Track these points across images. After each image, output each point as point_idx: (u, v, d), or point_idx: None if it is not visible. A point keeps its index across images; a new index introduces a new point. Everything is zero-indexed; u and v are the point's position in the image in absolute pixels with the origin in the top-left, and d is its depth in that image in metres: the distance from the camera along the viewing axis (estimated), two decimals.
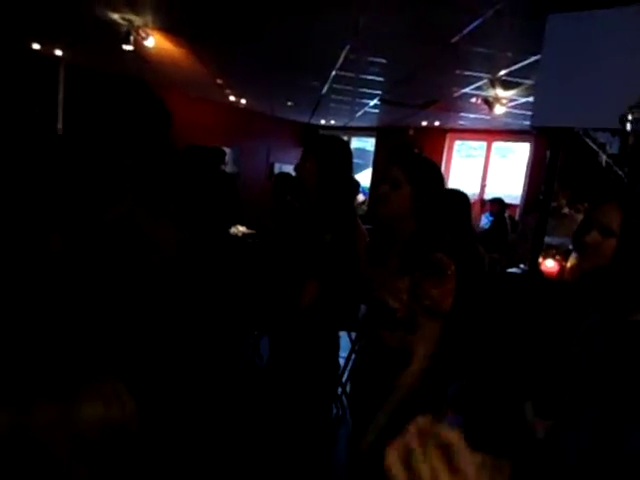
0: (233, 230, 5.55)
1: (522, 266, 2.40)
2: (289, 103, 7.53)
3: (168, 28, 4.15)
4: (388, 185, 1.53)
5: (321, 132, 9.82)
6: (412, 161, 1.60)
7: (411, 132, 8.22)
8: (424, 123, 7.72)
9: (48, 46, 5.46)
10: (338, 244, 1.76)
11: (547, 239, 2.21)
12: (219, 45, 4.58)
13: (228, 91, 7.01)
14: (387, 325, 1.53)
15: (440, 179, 1.61)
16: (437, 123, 7.66)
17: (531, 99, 4.91)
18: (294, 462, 1.92)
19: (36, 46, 5.47)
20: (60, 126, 6.40)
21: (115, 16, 3.83)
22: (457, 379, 2.40)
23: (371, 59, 4.54)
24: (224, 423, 2.64)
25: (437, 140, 8.18)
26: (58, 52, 5.65)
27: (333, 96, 6.55)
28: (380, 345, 1.58)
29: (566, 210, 3.46)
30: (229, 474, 2.20)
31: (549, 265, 2.13)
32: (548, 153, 2.28)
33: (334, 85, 5.76)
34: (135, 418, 0.73)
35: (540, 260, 2.15)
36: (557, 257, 2.16)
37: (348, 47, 4.08)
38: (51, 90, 6.30)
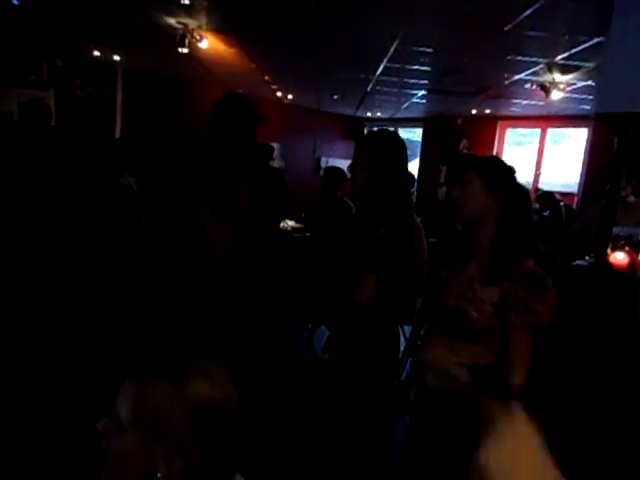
0: (282, 225, 5.65)
1: (588, 258, 2.32)
2: (335, 97, 7.54)
3: (220, 29, 4.26)
4: (459, 187, 1.51)
5: (367, 124, 9.78)
6: (480, 160, 1.57)
7: (460, 121, 8.03)
8: (474, 112, 7.52)
9: (107, 52, 5.74)
10: (392, 238, 1.77)
11: (614, 229, 2.12)
12: (268, 42, 4.67)
13: (275, 87, 7.11)
14: (461, 335, 1.47)
15: (512, 174, 1.55)
16: (487, 111, 7.45)
17: (591, 83, 4.70)
18: (353, 456, 1.95)
19: (96, 53, 5.76)
20: (118, 128, 6.72)
21: (171, 20, 3.98)
22: None
23: (419, 49, 4.49)
24: (284, 416, 2.70)
25: (487, 128, 7.95)
26: (116, 57, 5.92)
27: (380, 88, 6.51)
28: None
29: (632, 199, 3.30)
30: (290, 465, 2.27)
31: (619, 257, 2.05)
32: (615, 140, 2.19)
33: (381, 77, 5.73)
34: (234, 400, 0.81)
35: (608, 252, 2.08)
36: (627, 249, 2.08)
37: (398, 39, 4.05)
38: (110, 94, 6.63)
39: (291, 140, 8.65)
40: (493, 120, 7.91)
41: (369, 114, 9.22)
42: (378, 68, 5.24)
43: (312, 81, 6.61)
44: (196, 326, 1.40)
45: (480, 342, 1.45)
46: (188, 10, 3.79)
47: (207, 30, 4.21)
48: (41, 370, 2.35)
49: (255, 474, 0.95)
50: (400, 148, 1.86)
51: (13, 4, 4.01)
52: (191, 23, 4.02)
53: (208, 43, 4.38)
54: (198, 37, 4.14)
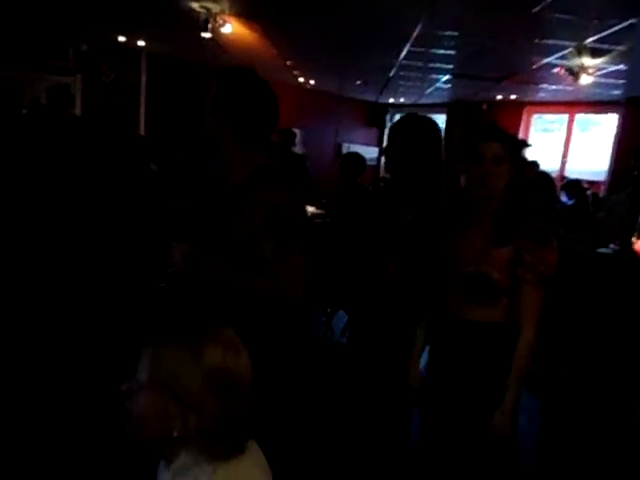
0: None
1: (612, 246, 2.28)
2: (358, 82, 7.47)
3: (243, 14, 4.26)
4: (489, 163, 1.52)
5: (390, 111, 9.67)
6: (510, 136, 1.60)
7: (485, 107, 7.88)
8: (499, 97, 7.38)
9: (132, 38, 5.80)
10: (420, 224, 1.78)
11: None
12: (290, 26, 4.65)
13: (297, 72, 7.09)
14: (486, 297, 1.54)
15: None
16: (513, 97, 7.29)
17: (622, 67, 4.55)
18: (371, 440, 1.98)
19: (121, 38, 5.83)
20: (142, 113, 6.81)
21: (195, 5, 4.00)
22: (535, 360, 2.35)
23: (444, 33, 4.41)
24: (301, 396, 2.74)
25: (513, 114, 7.78)
26: (141, 43, 5.98)
27: (403, 73, 6.43)
28: (459, 324, 1.59)
29: None
30: (306, 450, 2.30)
31: None
32: None
33: (404, 62, 5.65)
34: (247, 368, 0.86)
35: (634, 240, 2.04)
36: None
37: (422, 22, 3.98)
38: (135, 79, 6.71)
39: (312, 126, 8.62)
40: (519, 106, 7.74)
41: (392, 100, 9.12)
42: (402, 52, 5.17)
43: (334, 66, 6.57)
44: (215, 296, 1.45)
45: (496, 302, 1.53)
46: None
47: (230, 15, 4.21)
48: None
49: (271, 449, 0.98)
50: (428, 133, 1.87)
51: None
52: (214, 7, 4.03)
53: (231, 28, 4.38)
54: (221, 22, 4.15)
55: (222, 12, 4.11)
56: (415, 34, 4.37)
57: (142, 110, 6.83)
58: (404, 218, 1.83)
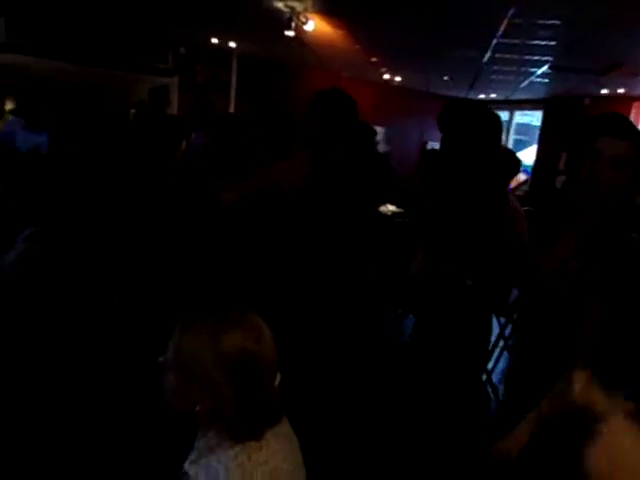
0: (383, 209, 5.60)
1: None
2: (445, 78, 7.22)
3: (326, 10, 4.29)
4: (606, 164, 1.24)
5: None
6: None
7: (587, 102, 7.23)
8: (604, 91, 6.71)
9: (224, 40, 6.09)
10: (479, 226, 1.66)
11: None
12: (375, 22, 4.59)
13: (383, 69, 7.00)
14: (552, 313, 1.38)
15: None
16: (621, 90, 6.60)
17: None
18: (436, 440, 1.90)
19: (214, 40, 6.14)
20: (232, 110, 7.14)
21: (279, 4, 4.10)
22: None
23: (541, 22, 4.09)
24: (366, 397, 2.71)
25: (620, 111, 7.05)
26: (232, 44, 6.26)
27: (494, 67, 6.08)
28: (543, 334, 1.46)
29: None
30: (367, 447, 2.27)
31: None
32: None
33: (496, 55, 5.34)
34: (268, 352, 0.86)
35: None
36: None
37: (512, 11, 3.73)
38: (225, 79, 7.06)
39: (397, 124, 8.48)
40: (628, 101, 6.99)
41: (482, 96, 8.68)
42: (490, 45, 4.90)
43: (421, 61, 6.39)
44: (242, 281, 1.48)
45: (567, 319, 1.33)
46: None
47: (313, 12, 4.26)
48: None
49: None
50: (484, 127, 1.71)
51: None
52: (297, 6, 4.10)
53: (314, 25, 4.43)
54: (304, 19, 4.22)
55: (305, 10, 4.17)
56: (504, 25, 4.11)
57: (232, 108, 7.16)
58: (467, 221, 1.72)
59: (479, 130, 1.64)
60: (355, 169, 1.61)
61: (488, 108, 1.71)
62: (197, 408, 0.84)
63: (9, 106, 6.05)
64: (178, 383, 0.86)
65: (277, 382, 0.91)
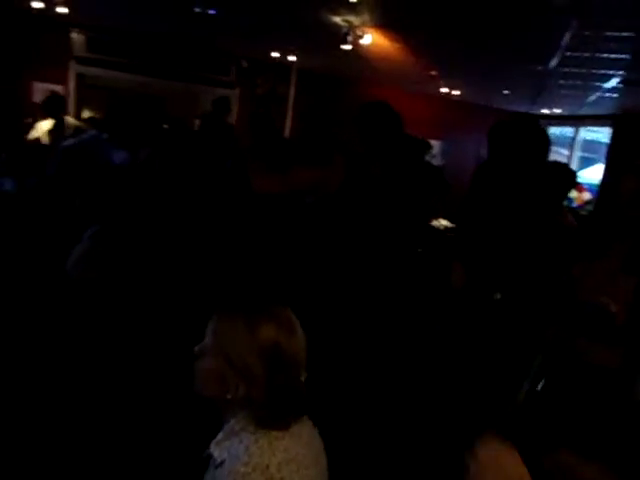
0: (435, 223, 5.52)
1: None
2: (505, 92, 7.04)
3: (384, 24, 4.34)
4: None
5: (543, 122, 8.89)
6: None
7: None
8: None
9: (284, 53, 6.29)
10: (526, 242, 1.61)
11: None
12: (435, 35, 4.58)
13: (442, 82, 6.94)
14: (600, 335, 1.30)
15: None
16: None
17: None
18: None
19: (275, 54, 6.35)
20: (289, 122, 7.33)
21: (337, 19, 4.19)
22: None
23: (611, 34, 3.92)
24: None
25: None
26: (291, 58, 6.44)
27: (560, 81, 5.86)
28: (577, 362, 1.38)
29: None
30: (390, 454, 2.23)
31: None
32: None
33: (561, 68, 5.16)
34: (299, 347, 0.92)
35: None
36: None
37: (575, 23, 3.61)
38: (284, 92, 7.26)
39: (453, 138, 8.35)
40: None
41: (545, 111, 8.38)
42: (554, 58, 4.74)
43: (481, 74, 6.29)
44: (279, 278, 1.52)
45: (614, 343, 1.27)
46: (354, 8, 3.94)
47: (370, 26, 4.32)
48: None
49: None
50: (530, 142, 1.67)
51: (210, 15, 4.66)
52: (355, 20, 4.17)
53: (371, 39, 4.49)
54: (361, 33, 4.28)
55: (363, 24, 4.23)
56: (568, 37, 3.98)
57: (288, 120, 7.35)
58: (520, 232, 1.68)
59: (522, 144, 1.61)
60: (399, 182, 1.62)
61: (535, 123, 1.67)
62: (229, 395, 0.90)
63: (86, 114, 6.54)
64: (213, 368, 0.92)
65: (304, 378, 0.95)
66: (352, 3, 3.84)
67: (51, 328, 1.63)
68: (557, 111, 8.28)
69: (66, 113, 5.13)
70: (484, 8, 3.62)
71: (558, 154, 8.49)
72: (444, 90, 7.44)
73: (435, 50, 5.21)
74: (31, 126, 4.73)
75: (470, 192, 4.04)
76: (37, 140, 4.45)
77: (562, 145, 8.82)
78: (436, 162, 7.49)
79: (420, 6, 3.79)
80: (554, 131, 8.54)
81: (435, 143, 7.51)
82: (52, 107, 4.54)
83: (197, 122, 5.80)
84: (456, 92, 7.64)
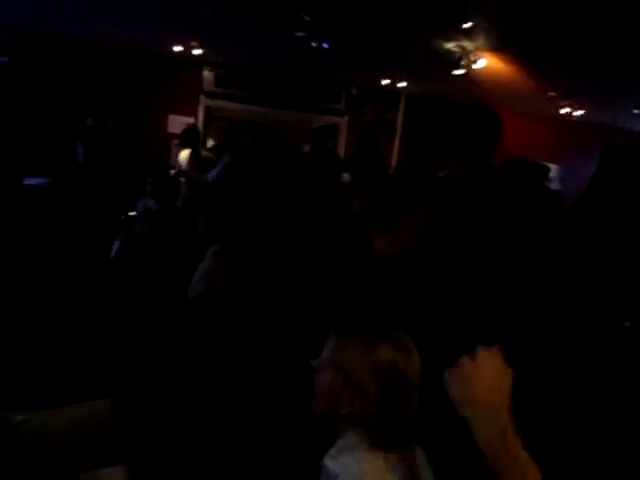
0: None
1: None
2: (635, 111, 6.43)
3: (499, 48, 4.24)
4: None
5: None
6: None
7: None
8: None
9: (394, 80, 6.39)
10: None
11: None
12: (554, 57, 4.37)
13: (563, 102, 6.54)
14: None
15: None
16: None
17: None
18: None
19: (385, 81, 6.49)
20: (396, 149, 7.37)
21: (450, 45, 4.19)
22: None
23: None
24: None
25: None
26: (401, 84, 6.53)
27: None
28: None
29: None
30: None
31: None
32: None
33: None
34: (415, 369, 0.92)
35: None
36: None
37: None
38: (392, 118, 7.35)
39: (572, 161, 7.77)
40: None
41: None
42: None
43: (607, 94, 5.82)
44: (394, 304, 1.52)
45: None
46: (467, 33, 3.92)
47: (484, 50, 4.25)
48: None
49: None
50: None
51: (324, 48, 4.93)
52: (469, 45, 4.14)
53: (485, 63, 4.41)
54: (474, 58, 4.23)
55: (477, 49, 4.19)
56: None
57: (396, 145, 7.40)
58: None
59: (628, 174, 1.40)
60: (503, 207, 1.55)
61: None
62: (343, 410, 0.94)
63: (210, 143, 7.21)
64: (331, 385, 0.97)
65: (416, 402, 0.96)
66: (466, 29, 3.83)
67: (177, 343, 1.77)
68: None
69: (200, 143, 5.77)
70: (602, 25, 3.40)
71: None
72: (564, 111, 7.00)
73: (555, 71, 4.95)
74: (174, 154, 5.37)
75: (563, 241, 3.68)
76: (179, 167, 5.06)
77: None
78: (555, 187, 7.03)
79: (537, 27, 3.66)
80: None
81: (553, 167, 7.05)
82: (190, 138, 5.16)
83: (307, 147, 6.10)
84: (578, 112, 7.14)
